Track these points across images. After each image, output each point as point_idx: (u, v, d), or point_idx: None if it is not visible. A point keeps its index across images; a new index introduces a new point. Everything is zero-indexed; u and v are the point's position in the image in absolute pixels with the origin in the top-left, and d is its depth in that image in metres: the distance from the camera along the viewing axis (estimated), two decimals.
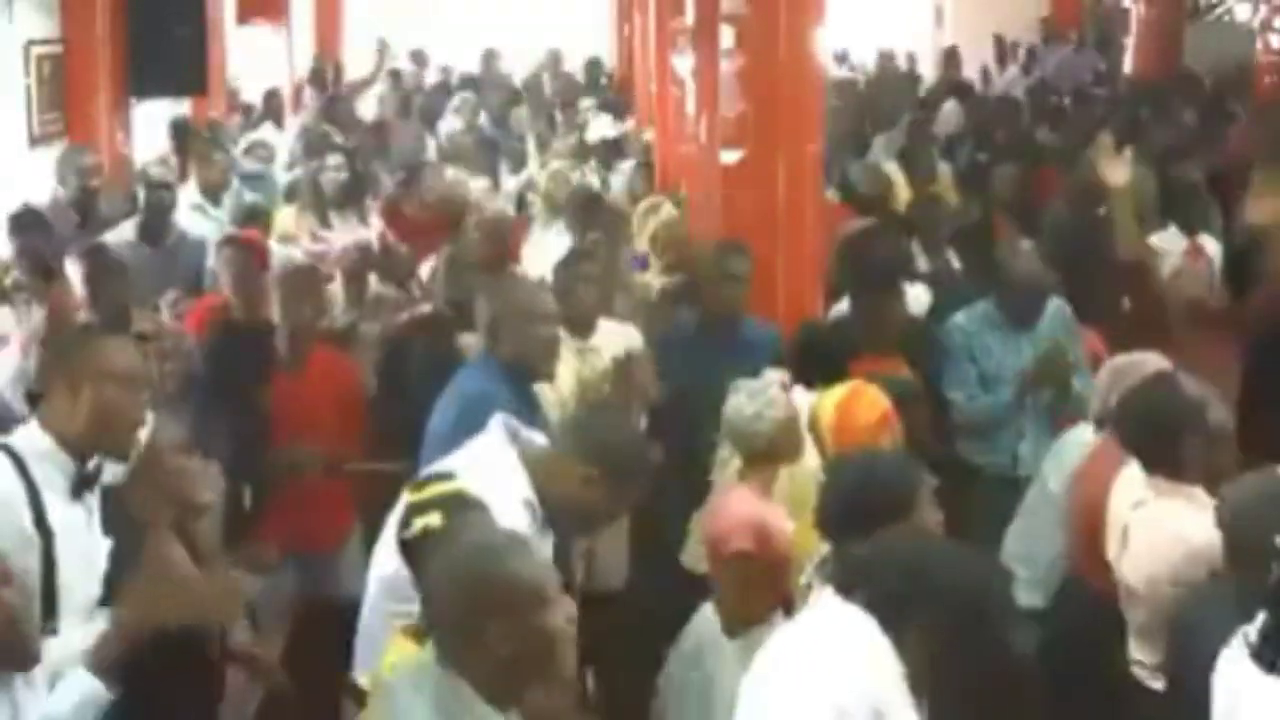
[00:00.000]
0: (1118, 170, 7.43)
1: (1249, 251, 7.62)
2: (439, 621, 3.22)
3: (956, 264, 8.12)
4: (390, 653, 3.67)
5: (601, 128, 13.27)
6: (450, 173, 10.35)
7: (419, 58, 18.98)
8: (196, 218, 9.40)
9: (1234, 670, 3.56)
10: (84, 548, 3.98)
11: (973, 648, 3.25)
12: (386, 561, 4.26)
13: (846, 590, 3.33)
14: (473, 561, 3.19)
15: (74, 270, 7.35)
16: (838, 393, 5.13)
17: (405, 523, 3.94)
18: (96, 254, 7.48)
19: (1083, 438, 5.52)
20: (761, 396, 5.16)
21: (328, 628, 5.33)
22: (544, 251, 8.42)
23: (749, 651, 4.79)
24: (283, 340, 6.52)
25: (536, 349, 5.32)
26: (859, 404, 5.05)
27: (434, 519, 3.84)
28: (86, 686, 3.65)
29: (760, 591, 4.80)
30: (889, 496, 4.00)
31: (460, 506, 3.88)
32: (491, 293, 5.58)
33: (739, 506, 4.98)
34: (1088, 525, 5.02)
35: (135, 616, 3.77)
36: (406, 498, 4.06)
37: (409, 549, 3.91)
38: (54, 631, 3.79)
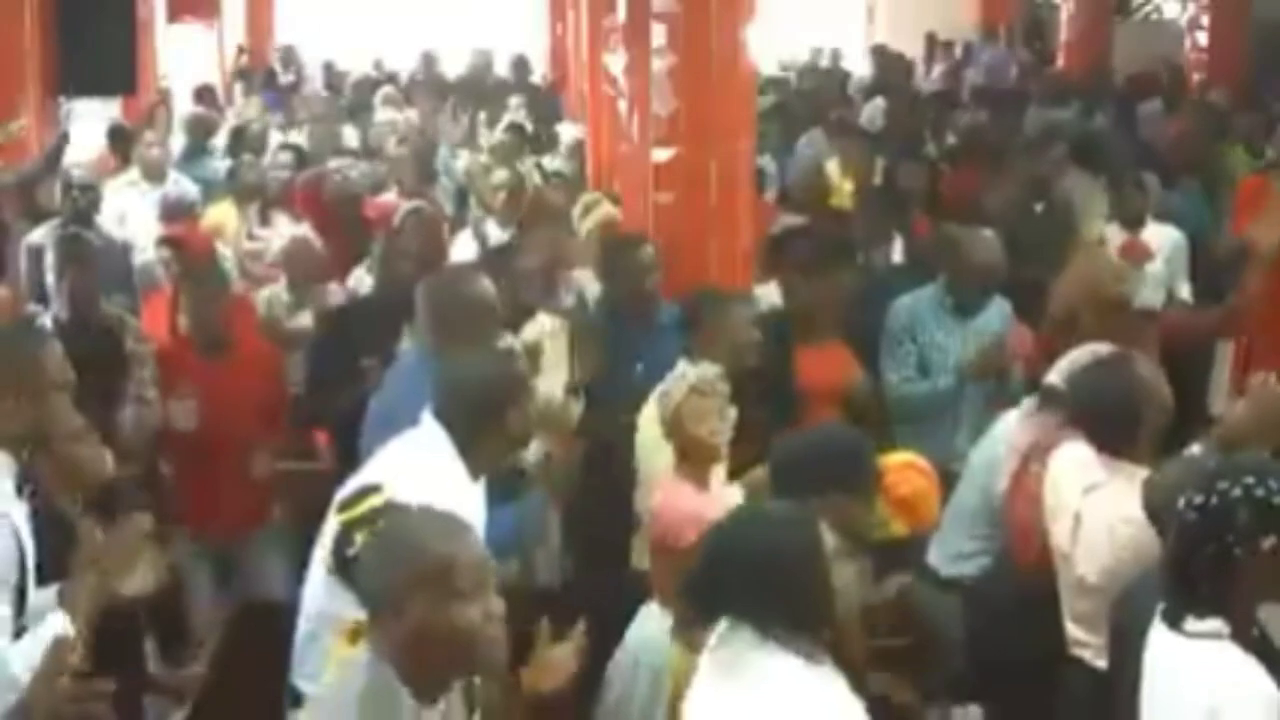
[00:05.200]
0: (1093, 225, 8.07)
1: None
2: (370, 592, 3.22)
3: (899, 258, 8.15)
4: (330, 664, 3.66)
5: (518, 118, 13.26)
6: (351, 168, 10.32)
7: (288, 54, 18.82)
8: (131, 194, 9.64)
9: (1153, 638, 3.61)
10: (33, 545, 4.00)
11: None
12: (320, 590, 4.20)
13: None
14: (410, 532, 3.23)
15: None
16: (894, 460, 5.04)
17: (346, 541, 3.88)
18: (70, 244, 7.15)
19: (1008, 428, 5.52)
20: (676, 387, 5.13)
21: (260, 632, 5.29)
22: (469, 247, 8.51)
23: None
24: (201, 331, 6.52)
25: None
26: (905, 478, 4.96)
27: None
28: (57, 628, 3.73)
29: None
30: (845, 467, 4.28)
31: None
32: (433, 289, 5.41)
33: (682, 501, 4.97)
34: (1026, 508, 5.01)
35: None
36: (338, 518, 4.00)
37: (350, 568, 3.81)
38: (24, 628, 3.83)
